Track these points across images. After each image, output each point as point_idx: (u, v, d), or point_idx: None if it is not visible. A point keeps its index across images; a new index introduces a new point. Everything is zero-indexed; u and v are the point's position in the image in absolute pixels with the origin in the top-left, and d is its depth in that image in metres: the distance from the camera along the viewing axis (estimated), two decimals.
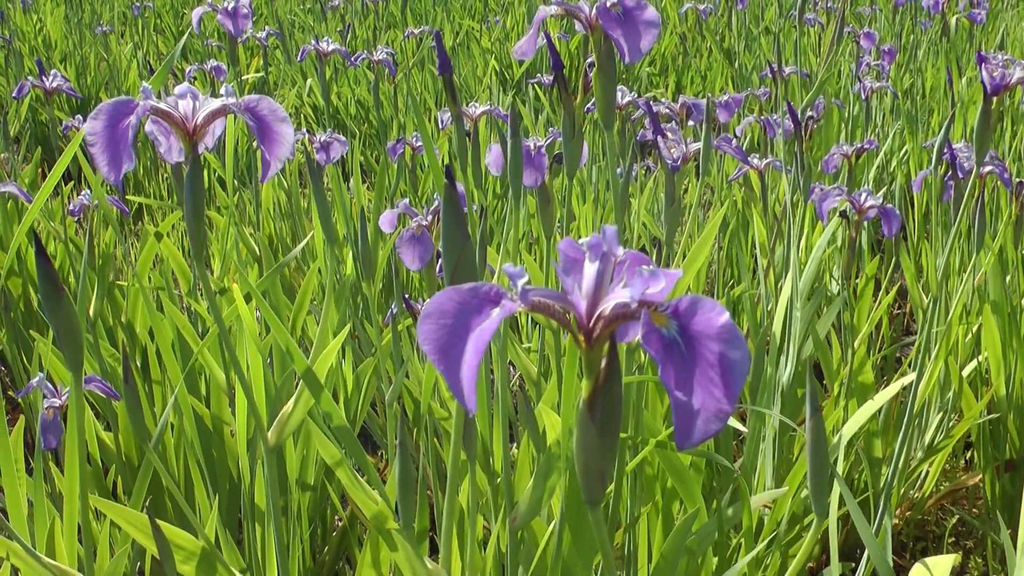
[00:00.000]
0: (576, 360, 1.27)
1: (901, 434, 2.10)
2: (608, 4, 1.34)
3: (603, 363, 0.84)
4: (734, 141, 2.27)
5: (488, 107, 2.58)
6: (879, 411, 2.59)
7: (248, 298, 1.72)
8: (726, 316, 0.77)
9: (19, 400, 2.98)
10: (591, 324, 0.85)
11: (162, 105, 1.25)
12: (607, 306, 0.84)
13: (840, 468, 2.54)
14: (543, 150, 2.04)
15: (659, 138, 1.89)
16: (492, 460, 1.52)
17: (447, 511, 1.25)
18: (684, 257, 1.84)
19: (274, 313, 2.45)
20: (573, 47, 6.40)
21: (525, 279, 0.80)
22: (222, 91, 1.28)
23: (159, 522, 1.35)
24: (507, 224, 1.57)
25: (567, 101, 1.52)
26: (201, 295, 2.92)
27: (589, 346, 0.85)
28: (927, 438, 2.76)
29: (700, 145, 1.86)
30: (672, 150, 1.91)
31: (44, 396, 2.05)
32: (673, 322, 0.79)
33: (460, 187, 1.82)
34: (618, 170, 2.55)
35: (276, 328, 1.49)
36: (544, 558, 1.45)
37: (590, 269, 0.84)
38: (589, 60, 1.46)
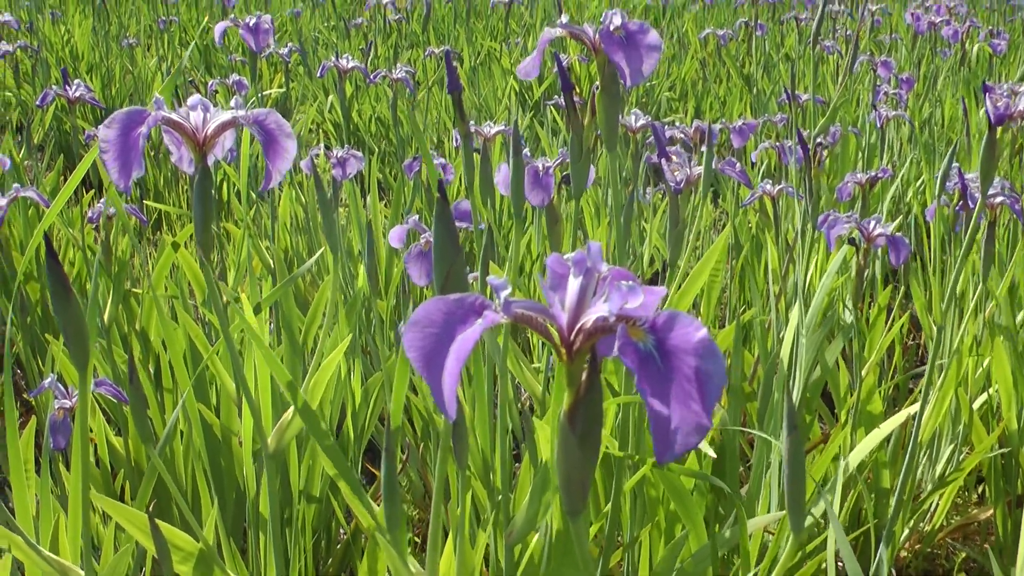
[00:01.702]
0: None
1: (905, 464, 2.11)
2: (611, 27, 1.36)
3: (584, 376, 0.86)
4: (738, 164, 2.29)
5: (503, 127, 2.60)
6: (888, 442, 2.59)
7: (258, 309, 1.74)
8: (703, 331, 0.79)
9: (32, 402, 3.01)
10: (572, 337, 0.87)
11: (174, 116, 1.28)
12: (587, 319, 0.85)
13: (847, 498, 2.54)
14: (551, 170, 2.05)
15: (663, 160, 1.91)
16: (492, 475, 1.53)
17: (432, 516, 1.26)
18: (686, 278, 1.85)
19: (285, 328, 2.47)
20: (594, 70, 6.43)
21: (508, 291, 0.82)
22: (232, 103, 1.31)
23: (158, 522, 1.36)
24: (516, 248, 1.59)
25: (575, 122, 1.53)
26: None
27: (570, 359, 0.86)
28: (938, 470, 2.76)
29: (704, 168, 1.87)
30: (676, 172, 1.93)
31: (55, 397, 2.07)
32: (650, 336, 0.81)
33: (467, 204, 1.84)
34: (637, 194, 2.56)
35: (273, 365, 1.51)
36: (535, 570, 1.46)
37: (573, 284, 0.86)
38: (596, 83, 1.48)
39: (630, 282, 0.82)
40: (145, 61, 7.32)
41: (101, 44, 7.37)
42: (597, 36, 1.39)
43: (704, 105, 6.29)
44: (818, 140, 2.25)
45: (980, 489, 3.04)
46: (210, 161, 1.31)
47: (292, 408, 1.55)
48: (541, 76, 6.28)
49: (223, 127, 1.31)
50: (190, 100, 1.29)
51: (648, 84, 6.38)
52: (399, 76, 4.43)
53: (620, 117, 2.78)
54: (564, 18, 1.45)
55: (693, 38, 7.43)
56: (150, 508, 1.60)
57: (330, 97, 6.25)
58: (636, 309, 0.81)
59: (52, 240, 3.77)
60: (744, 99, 5.98)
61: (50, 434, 2.03)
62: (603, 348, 0.87)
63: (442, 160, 3.61)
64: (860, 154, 4.43)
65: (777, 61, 6.50)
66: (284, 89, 5.85)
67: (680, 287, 1.85)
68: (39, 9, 8.83)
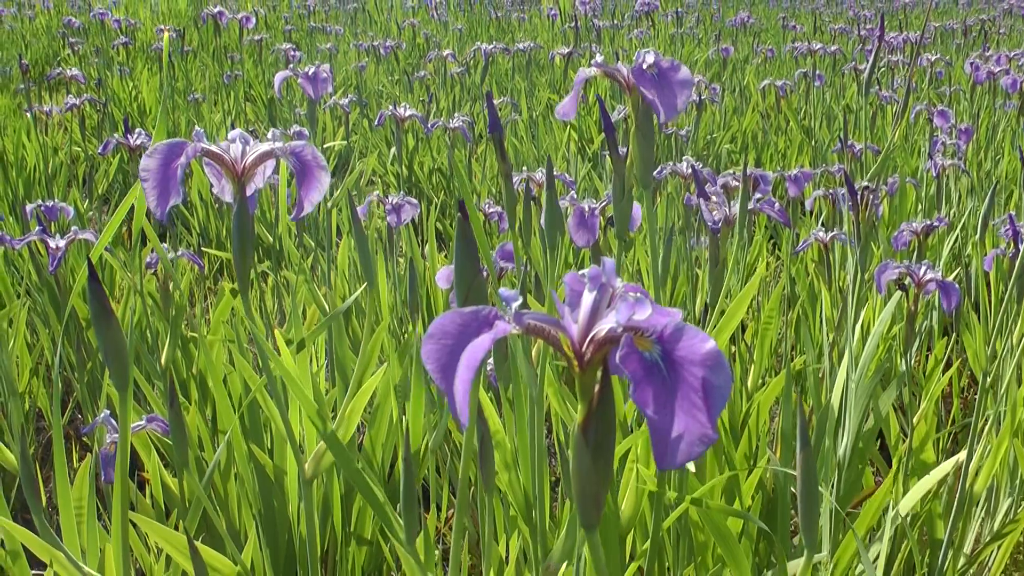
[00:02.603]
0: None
1: (953, 513, 2.08)
2: (644, 65, 1.39)
3: (596, 388, 0.88)
4: (777, 204, 2.29)
5: (555, 174, 2.63)
6: (941, 492, 2.56)
7: (302, 344, 1.77)
8: (712, 343, 0.80)
9: (87, 442, 3.06)
10: (583, 349, 0.89)
11: (213, 147, 1.32)
12: (599, 331, 0.87)
13: (899, 548, 2.51)
14: (596, 211, 2.07)
15: (702, 200, 1.92)
16: (535, 513, 1.54)
17: (455, 533, 1.27)
18: (722, 315, 1.86)
19: (339, 371, 2.50)
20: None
21: (519, 302, 0.84)
22: (268, 135, 1.35)
23: (196, 544, 1.39)
24: (548, 278, 1.61)
25: (617, 162, 1.55)
26: (273, 349, 2.97)
27: (582, 370, 0.88)
28: (996, 523, 2.72)
29: (751, 206, 1.88)
30: (714, 212, 1.94)
31: (107, 432, 2.12)
32: (657, 347, 0.82)
33: (510, 245, 1.86)
34: (693, 241, 2.56)
35: (296, 391, 1.53)
36: None
37: (587, 298, 0.89)
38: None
39: (638, 294, 0.84)
40: (211, 115, 7.45)
41: (168, 99, 7.51)
42: (630, 75, 1.41)
43: (764, 157, 6.29)
44: (866, 184, 2.25)
45: None
46: (249, 192, 1.35)
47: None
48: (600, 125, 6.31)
49: (261, 158, 1.35)
50: (230, 134, 1.34)
51: (709, 136, 6.40)
52: (456, 125, 4.47)
53: (672, 164, 2.81)
54: (599, 58, 1.48)
55: (754, 91, 7.44)
56: (199, 537, 1.62)
57: (391, 150, 6.32)
58: (643, 321, 0.83)
59: (114, 285, 3.85)
60: (805, 150, 5.97)
61: (101, 467, 2.07)
62: (615, 363, 0.88)
63: (498, 209, 3.65)
64: (919, 206, 4.40)
65: (837, 113, 6.49)
66: (345, 142, 5.94)
67: (716, 325, 1.86)
68: (108, 66, 9.03)
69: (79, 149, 6.28)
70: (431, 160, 6.24)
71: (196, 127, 1.32)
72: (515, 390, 1.42)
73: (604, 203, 2.12)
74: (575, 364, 0.89)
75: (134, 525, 2.03)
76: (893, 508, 2.38)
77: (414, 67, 9.40)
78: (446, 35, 11.69)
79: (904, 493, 2.45)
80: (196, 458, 2.48)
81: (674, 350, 0.82)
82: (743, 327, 3.86)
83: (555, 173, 2.62)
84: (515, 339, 1.47)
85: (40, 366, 3.50)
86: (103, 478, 2.08)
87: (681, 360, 0.82)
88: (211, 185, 1.41)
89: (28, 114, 5.81)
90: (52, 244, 2.90)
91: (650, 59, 1.39)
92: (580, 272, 0.89)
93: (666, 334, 0.83)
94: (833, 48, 7.84)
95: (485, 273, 2.26)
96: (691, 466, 1.95)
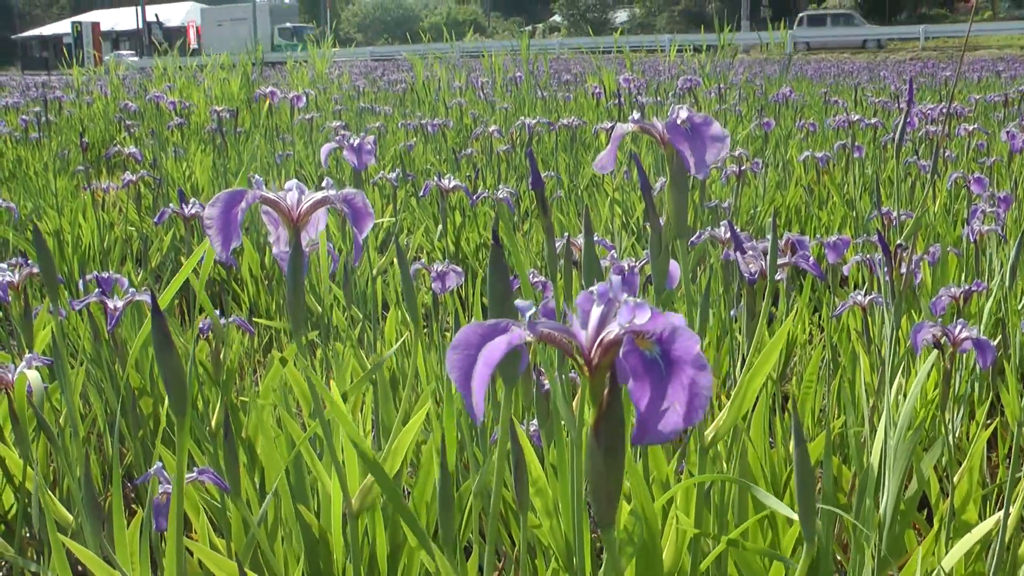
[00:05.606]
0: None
1: (992, 570, 2.09)
2: (678, 120, 1.45)
3: (605, 392, 0.96)
4: (811, 258, 2.34)
5: (596, 238, 2.68)
6: (984, 552, 2.55)
7: (345, 398, 1.82)
8: (699, 345, 0.89)
9: (135, 509, 3.11)
10: (591, 353, 0.98)
11: (270, 194, 1.41)
12: (605, 336, 0.97)
13: None
14: (636, 269, 2.13)
15: (738, 253, 1.97)
16: (575, 559, 1.57)
17: (488, 550, 1.31)
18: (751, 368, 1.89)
19: (385, 436, 2.54)
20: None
21: (532, 311, 0.93)
22: (324, 184, 1.44)
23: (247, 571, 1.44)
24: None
25: (654, 219, 1.61)
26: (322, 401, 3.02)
27: (592, 374, 0.98)
28: None
29: (784, 260, 1.93)
30: (750, 265, 1.99)
31: (160, 482, 2.18)
32: (656, 347, 0.93)
33: (552, 303, 1.91)
34: (733, 312, 2.59)
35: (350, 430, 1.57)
36: None
37: (595, 311, 0.99)
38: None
39: (638, 299, 0.92)
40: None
41: (220, 179, 7.67)
42: (665, 129, 1.48)
43: (809, 230, 6.32)
44: (899, 243, 2.28)
45: None
46: (304, 240, 1.44)
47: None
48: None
49: (315, 205, 1.45)
50: (287, 183, 1.44)
51: (752, 210, 6.44)
52: (501, 197, 4.54)
53: (711, 229, 2.85)
54: (636, 114, 1.54)
55: (796, 164, 7.49)
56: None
57: (439, 227, 6.42)
58: (643, 324, 0.93)
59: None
60: (848, 224, 6.00)
61: (153, 516, 2.13)
62: (622, 373, 0.96)
63: (542, 278, 3.70)
64: (961, 275, 4.41)
65: (878, 184, 6.51)
66: (394, 219, 6.04)
67: (751, 371, 1.89)
68: (163, 147, 9.24)
69: (133, 229, 6.42)
70: (478, 236, 6.32)
71: (255, 175, 1.41)
72: (556, 438, 1.46)
73: (644, 262, 2.17)
74: (585, 369, 0.97)
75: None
76: (935, 569, 2.38)
77: (461, 145, 9.54)
78: (493, 114, 11.85)
79: (944, 553, 2.45)
80: (244, 520, 2.53)
81: (671, 350, 0.92)
82: (785, 397, 3.87)
83: (595, 238, 2.68)
84: (557, 390, 1.51)
85: (92, 435, 3.57)
86: (155, 527, 2.14)
87: (677, 359, 0.92)
88: (260, 261, 1.50)
89: (86, 190, 5.95)
90: (111, 305, 2.98)
91: (683, 114, 1.46)
92: (590, 290, 0.97)
93: (664, 335, 0.93)
94: (873, 120, 7.89)
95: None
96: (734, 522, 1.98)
